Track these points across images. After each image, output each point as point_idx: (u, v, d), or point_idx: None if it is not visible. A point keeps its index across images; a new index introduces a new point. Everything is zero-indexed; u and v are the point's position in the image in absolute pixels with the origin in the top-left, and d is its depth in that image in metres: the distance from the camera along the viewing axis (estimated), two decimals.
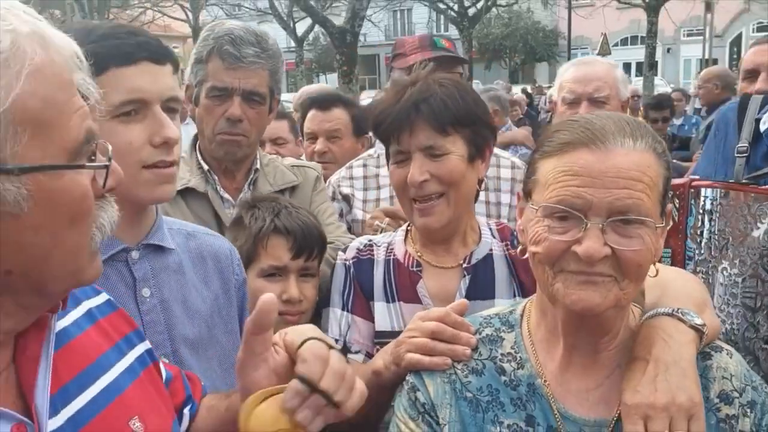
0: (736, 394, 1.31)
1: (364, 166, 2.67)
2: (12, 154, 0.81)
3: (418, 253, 1.89)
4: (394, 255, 1.91)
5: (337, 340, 1.86)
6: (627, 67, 37.63)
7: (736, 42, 38.38)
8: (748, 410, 1.30)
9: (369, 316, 1.87)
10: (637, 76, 32.90)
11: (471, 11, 26.08)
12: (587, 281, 1.25)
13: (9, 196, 0.81)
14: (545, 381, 1.37)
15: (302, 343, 1.15)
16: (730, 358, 1.36)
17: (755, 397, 1.31)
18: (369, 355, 1.83)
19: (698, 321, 1.34)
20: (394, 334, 1.78)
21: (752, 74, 2.85)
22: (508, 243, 1.89)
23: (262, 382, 1.15)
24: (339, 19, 14.83)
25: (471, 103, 1.80)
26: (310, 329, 1.20)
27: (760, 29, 37.32)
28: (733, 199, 1.91)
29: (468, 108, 1.79)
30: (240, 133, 2.25)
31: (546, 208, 1.28)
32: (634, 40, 38.97)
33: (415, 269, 1.87)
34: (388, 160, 1.90)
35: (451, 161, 1.77)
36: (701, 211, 1.92)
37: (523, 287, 1.82)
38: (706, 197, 1.91)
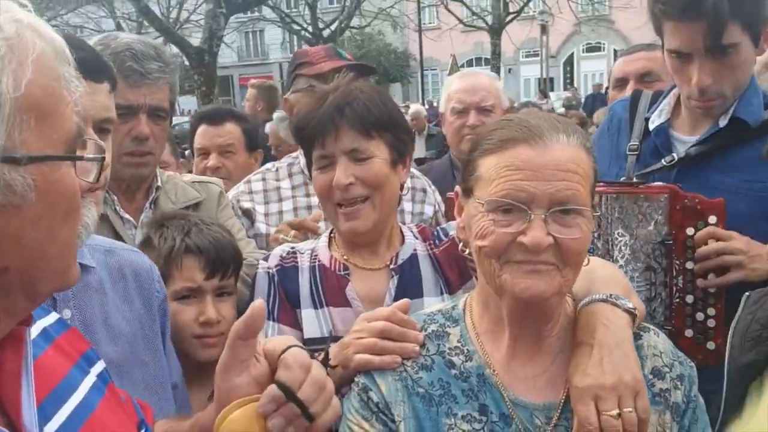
0: (666, 369, 1.42)
1: (263, 179, 2.63)
2: (20, 142, 0.79)
3: (345, 257, 1.89)
4: (319, 261, 1.90)
5: None
6: None
7: (569, 61, 41.61)
8: (678, 383, 1.41)
9: (296, 325, 1.84)
10: None
11: (325, 33, 26.43)
12: (533, 270, 1.31)
13: (17, 185, 0.78)
14: (494, 371, 1.42)
15: (285, 350, 1.13)
16: (657, 336, 1.48)
17: (683, 370, 1.43)
18: None
19: (630, 305, 1.44)
20: (324, 340, 1.77)
21: (622, 83, 3.10)
22: (430, 242, 1.93)
23: (243, 389, 1.13)
24: (192, 40, 14.50)
25: (392, 108, 1.85)
26: (290, 339, 1.19)
27: (588, 49, 40.77)
28: (625, 200, 2.06)
29: (390, 113, 1.83)
30: (147, 151, 2.16)
31: (491, 202, 1.33)
32: (478, 61, 41.17)
33: (342, 273, 1.87)
34: (309, 168, 1.90)
35: (375, 164, 1.80)
36: (596, 212, 2.05)
37: (449, 284, 1.87)
38: (600, 201, 2.03)
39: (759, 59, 3.79)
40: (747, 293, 1.66)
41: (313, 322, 1.84)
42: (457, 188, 1.50)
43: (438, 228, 2.00)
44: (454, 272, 1.88)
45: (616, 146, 2.33)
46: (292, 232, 2.29)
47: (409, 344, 1.47)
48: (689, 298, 2.03)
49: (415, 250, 1.91)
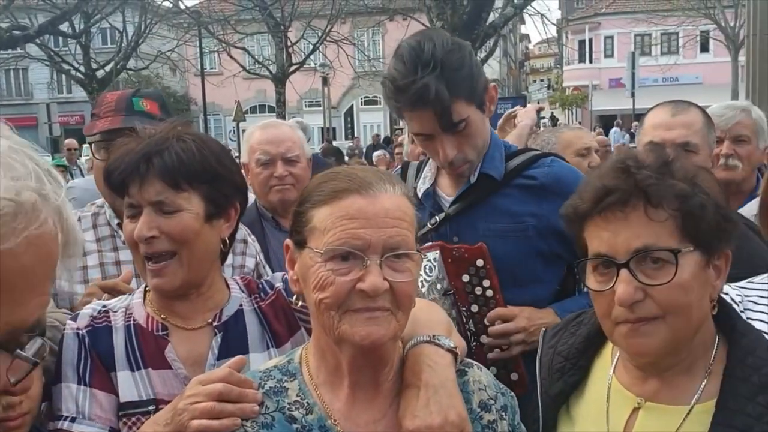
0: (492, 402, 1.53)
1: None
2: None
3: (162, 316, 1.80)
4: (134, 320, 1.79)
5: (74, 418, 1.68)
6: None
7: (349, 112, 43.43)
8: (503, 413, 1.53)
9: (110, 389, 1.72)
10: None
11: (100, 74, 25.03)
12: (371, 317, 1.36)
13: None
14: (335, 421, 1.44)
15: None
16: (480, 371, 1.59)
17: (505, 401, 1.55)
18: (113, 431, 1.69)
19: (452, 344, 1.53)
20: (142, 404, 1.69)
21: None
22: (257, 296, 1.89)
23: None
24: None
25: (211, 159, 1.77)
26: None
27: (366, 102, 42.89)
28: None
29: (207, 164, 1.76)
30: None
31: (329, 251, 1.36)
32: (262, 108, 41.49)
33: (161, 333, 1.77)
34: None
35: (183, 219, 1.72)
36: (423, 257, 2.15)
37: (277, 338, 1.84)
38: None
39: (525, 124, 4.33)
40: (543, 330, 1.85)
41: (130, 385, 1.72)
42: (288, 241, 1.51)
43: (263, 281, 1.96)
44: (282, 325, 1.86)
45: None
46: (105, 295, 2.12)
47: (248, 405, 1.44)
48: (484, 338, 2.20)
49: (241, 305, 1.86)
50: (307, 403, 1.46)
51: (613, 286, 1.44)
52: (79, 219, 2.45)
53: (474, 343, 2.21)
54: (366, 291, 1.35)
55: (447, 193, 2.39)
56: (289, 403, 1.46)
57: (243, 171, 3.38)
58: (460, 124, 2.18)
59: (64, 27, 20.67)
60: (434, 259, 2.19)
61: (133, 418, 1.68)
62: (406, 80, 2.11)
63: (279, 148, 3.12)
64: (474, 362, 1.62)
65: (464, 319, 2.20)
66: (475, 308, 2.21)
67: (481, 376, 1.57)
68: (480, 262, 2.19)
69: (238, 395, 1.44)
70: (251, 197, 3.22)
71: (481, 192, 2.31)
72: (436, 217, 2.33)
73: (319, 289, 1.38)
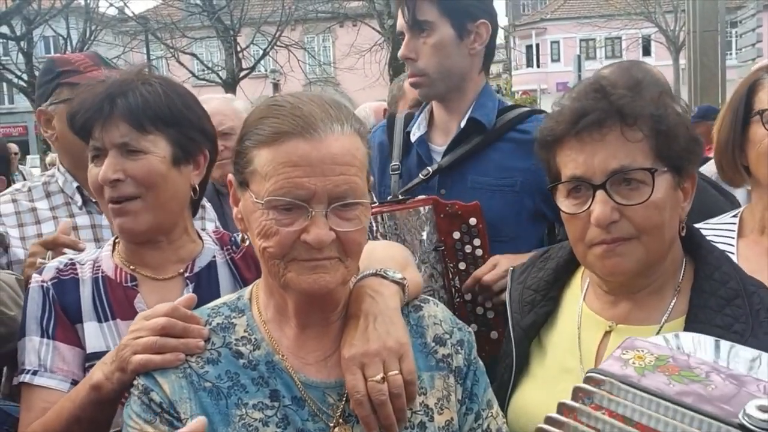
0: (447, 336, 1.49)
1: (14, 201, 2.35)
2: None
3: (131, 267, 1.75)
4: (102, 272, 1.74)
5: (36, 371, 1.63)
6: None
7: None
8: (459, 348, 1.49)
9: (76, 341, 1.67)
10: None
11: None
12: (317, 266, 1.30)
13: None
14: (283, 356, 1.40)
15: None
16: (437, 307, 1.55)
17: (462, 336, 1.51)
18: (77, 383, 1.61)
19: (398, 276, 1.49)
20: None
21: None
22: (229, 248, 1.85)
23: None
24: None
25: (179, 103, 1.72)
26: None
27: None
28: (398, 216, 2.18)
29: (174, 107, 1.70)
30: None
31: (271, 201, 1.29)
32: None
33: (130, 284, 1.72)
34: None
35: (149, 161, 1.67)
36: (377, 235, 2.15)
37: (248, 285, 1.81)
38: (377, 222, 2.13)
39: None
40: (511, 267, 1.86)
41: (97, 335, 1.68)
42: (231, 177, 1.45)
43: (235, 235, 1.90)
44: (253, 273, 1.80)
45: (380, 167, 2.47)
46: (49, 253, 2.05)
47: (193, 340, 1.39)
48: (468, 296, 2.18)
49: (214, 257, 1.82)
50: (255, 338, 1.42)
51: (588, 208, 1.45)
52: (29, 190, 2.39)
53: (457, 299, 2.19)
54: (310, 244, 1.29)
55: (437, 143, 2.39)
56: (236, 339, 1.42)
57: None
58: (423, 25, 2.24)
59: (4, 30, 20.06)
60: (426, 210, 2.18)
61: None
62: None
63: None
64: (430, 298, 1.59)
65: (450, 276, 2.19)
66: (462, 266, 2.19)
67: (436, 311, 1.53)
68: (473, 221, 2.18)
69: (183, 330, 1.40)
70: None
71: (473, 143, 2.30)
72: (428, 168, 2.31)
73: (262, 237, 1.32)
